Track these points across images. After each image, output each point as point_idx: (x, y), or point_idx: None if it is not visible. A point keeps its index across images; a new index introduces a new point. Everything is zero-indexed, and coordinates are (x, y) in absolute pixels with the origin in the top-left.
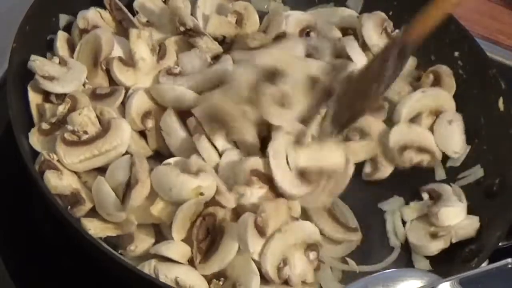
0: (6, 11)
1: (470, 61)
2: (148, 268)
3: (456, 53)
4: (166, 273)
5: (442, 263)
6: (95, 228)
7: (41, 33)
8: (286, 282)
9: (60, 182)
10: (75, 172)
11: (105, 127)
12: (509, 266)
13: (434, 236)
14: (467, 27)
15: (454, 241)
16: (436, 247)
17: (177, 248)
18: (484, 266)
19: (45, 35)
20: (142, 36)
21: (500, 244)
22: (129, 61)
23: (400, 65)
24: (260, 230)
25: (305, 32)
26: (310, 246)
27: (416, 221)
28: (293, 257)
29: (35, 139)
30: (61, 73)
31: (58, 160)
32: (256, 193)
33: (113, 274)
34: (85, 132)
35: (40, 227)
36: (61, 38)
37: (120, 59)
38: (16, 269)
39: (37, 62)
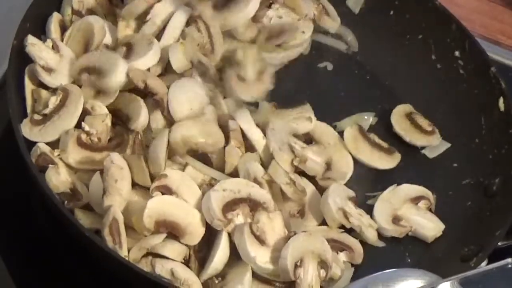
0: (6, 11)
1: (470, 60)
2: (145, 261)
3: (457, 53)
4: (163, 264)
5: (442, 263)
6: (85, 219)
7: (41, 31)
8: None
9: (59, 179)
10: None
11: (116, 141)
12: (509, 266)
13: (395, 221)
14: (468, 27)
15: (409, 234)
16: (391, 232)
17: (173, 247)
18: (484, 266)
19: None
20: (130, 27)
21: (499, 243)
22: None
23: None
24: (259, 238)
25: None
26: (322, 263)
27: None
28: (308, 262)
29: (27, 129)
30: (56, 63)
31: (58, 155)
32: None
33: (113, 272)
34: (99, 140)
35: (40, 226)
36: (55, 20)
37: (106, 47)
38: (16, 269)
39: (35, 47)
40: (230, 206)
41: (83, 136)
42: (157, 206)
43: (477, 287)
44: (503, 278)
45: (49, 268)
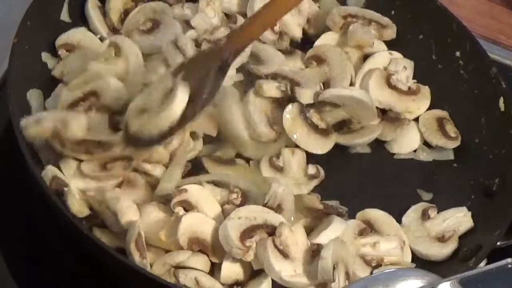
0: (6, 11)
1: (471, 61)
2: (168, 272)
3: (458, 53)
4: (186, 273)
5: (442, 263)
6: (104, 238)
7: (42, 29)
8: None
9: (78, 201)
10: None
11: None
12: (509, 266)
13: (441, 240)
14: (468, 27)
15: (458, 235)
16: (450, 249)
17: (199, 259)
18: (484, 266)
19: (47, 30)
20: (211, 4)
21: (498, 243)
22: None
23: (219, 82)
24: (282, 252)
25: None
26: (347, 275)
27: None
28: (341, 268)
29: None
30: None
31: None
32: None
33: (113, 272)
34: None
35: (41, 226)
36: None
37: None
38: (17, 269)
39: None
40: (247, 233)
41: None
42: (190, 223)
43: (477, 287)
44: (503, 278)
45: (49, 268)
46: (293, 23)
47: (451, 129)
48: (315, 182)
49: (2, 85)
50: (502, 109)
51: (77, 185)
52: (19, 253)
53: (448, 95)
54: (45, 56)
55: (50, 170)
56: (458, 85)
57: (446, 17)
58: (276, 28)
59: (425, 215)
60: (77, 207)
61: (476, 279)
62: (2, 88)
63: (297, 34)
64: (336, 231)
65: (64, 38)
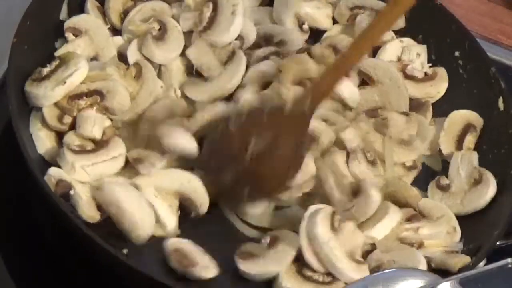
0: (6, 11)
1: (470, 60)
2: None
3: (457, 53)
4: None
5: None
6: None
7: (42, 29)
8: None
9: (87, 205)
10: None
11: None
12: (509, 266)
13: (478, 181)
14: (467, 27)
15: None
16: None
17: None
18: (483, 265)
19: (47, 30)
20: None
21: (498, 243)
22: None
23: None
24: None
25: None
26: None
27: None
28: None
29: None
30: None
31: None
32: None
33: (113, 272)
34: None
35: (41, 226)
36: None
37: None
38: (16, 269)
39: None
40: None
41: None
42: None
43: (477, 287)
44: (503, 278)
45: (49, 268)
46: (322, 16)
47: (470, 141)
48: (414, 173)
49: (2, 85)
50: (501, 108)
51: (78, 178)
52: (19, 254)
53: (447, 95)
54: (45, 56)
55: (53, 174)
56: (457, 85)
57: (445, 17)
58: (305, 26)
59: (443, 188)
60: (87, 212)
61: (476, 279)
62: (2, 88)
63: (327, 25)
64: (392, 221)
65: (74, 21)
